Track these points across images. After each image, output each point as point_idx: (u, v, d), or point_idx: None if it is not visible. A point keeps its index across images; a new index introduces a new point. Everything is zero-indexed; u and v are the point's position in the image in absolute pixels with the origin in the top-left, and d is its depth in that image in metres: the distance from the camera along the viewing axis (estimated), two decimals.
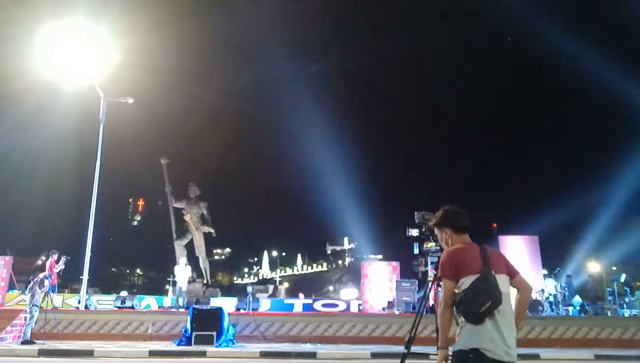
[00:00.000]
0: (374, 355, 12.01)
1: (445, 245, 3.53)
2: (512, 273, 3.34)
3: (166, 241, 29.36)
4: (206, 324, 12.95)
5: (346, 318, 15.12)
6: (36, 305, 12.69)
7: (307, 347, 13.15)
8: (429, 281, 5.69)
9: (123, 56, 19.82)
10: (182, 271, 18.13)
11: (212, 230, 20.92)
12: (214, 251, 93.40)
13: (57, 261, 15.49)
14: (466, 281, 3.15)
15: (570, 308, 16.49)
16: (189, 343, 12.75)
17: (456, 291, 3.21)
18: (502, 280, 3.20)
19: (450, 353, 3.26)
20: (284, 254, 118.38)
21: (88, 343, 12.92)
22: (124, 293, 23.46)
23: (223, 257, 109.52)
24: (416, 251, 5.95)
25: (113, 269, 79.71)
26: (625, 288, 18.41)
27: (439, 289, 5.74)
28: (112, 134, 21.86)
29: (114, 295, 21.09)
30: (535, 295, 16.00)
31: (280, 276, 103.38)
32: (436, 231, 3.62)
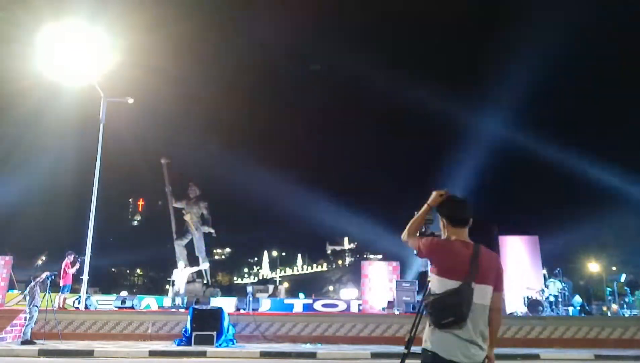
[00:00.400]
0: (374, 355, 12.01)
1: (443, 235, 3.35)
2: (495, 288, 3.16)
3: (166, 241, 29.35)
4: (206, 324, 12.95)
5: (346, 318, 15.12)
6: (36, 306, 12.70)
7: (307, 347, 13.15)
8: (429, 280, 5.67)
9: (123, 56, 19.85)
10: (181, 274, 18.16)
11: (212, 230, 20.92)
12: (214, 251, 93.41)
13: (72, 263, 15.81)
14: (442, 285, 3.06)
15: (570, 308, 16.48)
16: (189, 343, 12.75)
17: (431, 286, 3.18)
18: (481, 291, 3.05)
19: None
20: (284, 254, 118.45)
21: (88, 343, 12.92)
22: (124, 293, 23.44)
23: (223, 257, 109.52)
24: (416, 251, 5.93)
25: (113, 269, 79.71)
26: (626, 288, 18.38)
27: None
28: (112, 134, 21.85)
29: (114, 295, 21.08)
30: (535, 295, 16.00)
31: (280, 276, 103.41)
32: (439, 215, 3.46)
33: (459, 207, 3.30)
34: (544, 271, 18.19)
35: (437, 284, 3.12)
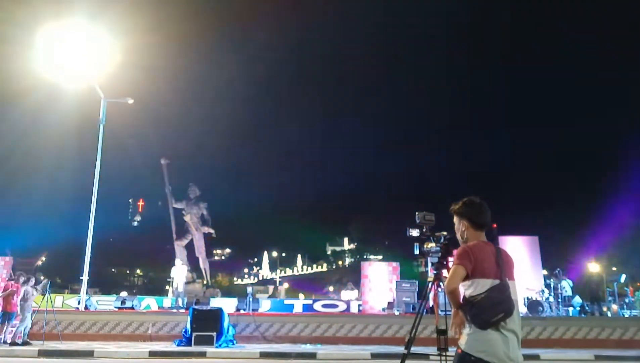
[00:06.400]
0: (374, 356, 12.00)
1: (460, 237, 3.42)
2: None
3: (166, 242, 29.36)
4: (206, 325, 12.94)
5: (346, 318, 15.12)
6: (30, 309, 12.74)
7: (307, 348, 13.14)
8: (429, 281, 5.67)
9: (123, 56, 19.82)
10: (179, 271, 18.16)
11: (212, 231, 20.96)
12: (214, 251, 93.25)
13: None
14: (481, 285, 3.09)
15: (570, 309, 16.49)
16: (189, 343, 12.74)
17: (465, 291, 3.16)
18: (513, 287, 3.15)
19: (453, 353, 3.26)
20: (283, 254, 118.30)
21: (88, 344, 12.92)
22: (124, 294, 23.46)
23: (223, 257, 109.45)
24: (416, 251, 5.93)
25: (113, 269, 79.64)
26: (625, 288, 18.42)
27: (439, 289, 5.74)
28: (112, 134, 21.87)
29: (114, 295, 21.08)
30: (535, 296, 16.00)
31: (280, 277, 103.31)
32: (455, 218, 3.48)
33: (482, 211, 3.38)
34: (544, 272, 18.23)
35: (474, 286, 3.12)
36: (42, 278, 13.30)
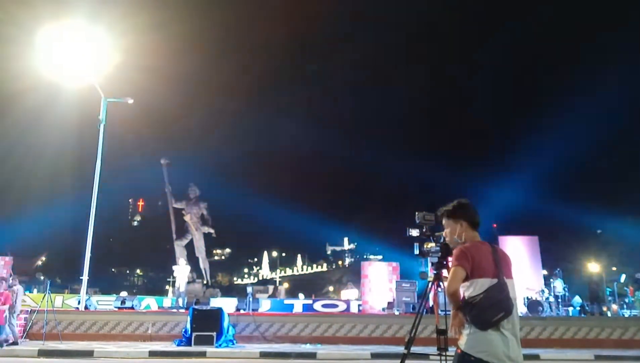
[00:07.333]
0: (374, 356, 12.00)
1: (457, 238, 3.42)
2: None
3: (166, 242, 29.37)
4: (206, 324, 12.94)
5: (346, 318, 15.11)
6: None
7: (307, 348, 13.15)
8: (429, 281, 5.68)
9: (123, 56, 19.83)
10: (182, 271, 18.15)
11: (212, 231, 20.93)
12: (214, 251, 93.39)
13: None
14: (479, 285, 3.10)
15: (570, 309, 16.48)
16: (188, 343, 12.75)
17: (464, 292, 3.17)
18: (511, 285, 3.17)
19: (452, 353, 3.26)
20: (283, 254, 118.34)
21: (88, 344, 12.92)
22: (123, 294, 23.45)
23: (223, 257, 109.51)
24: (416, 251, 5.93)
25: (113, 269, 79.74)
26: (625, 288, 18.41)
27: (439, 289, 5.73)
28: (112, 134, 21.86)
29: (113, 295, 21.08)
30: (535, 296, 16.00)
31: (280, 277, 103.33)
32: (447, 221, 3.50)
33: (476, 211, 3.47)
34: (544, 272, 18.21)
35: (472, 286, 3.14)
36: (42, 278, 13.22)
